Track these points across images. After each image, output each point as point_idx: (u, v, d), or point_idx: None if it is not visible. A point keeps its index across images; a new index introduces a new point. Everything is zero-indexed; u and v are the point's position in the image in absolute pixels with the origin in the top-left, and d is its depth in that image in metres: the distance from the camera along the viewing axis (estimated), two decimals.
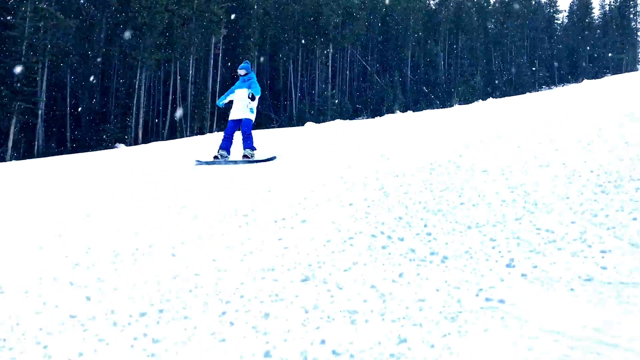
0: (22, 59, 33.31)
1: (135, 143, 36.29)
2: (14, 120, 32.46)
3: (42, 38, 34.28)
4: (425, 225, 4.64)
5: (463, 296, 3.26)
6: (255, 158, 9.55)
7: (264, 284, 3.68)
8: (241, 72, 9.98)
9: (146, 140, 37.72)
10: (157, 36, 40.36)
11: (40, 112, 34.60)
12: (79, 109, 38.47)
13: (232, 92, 10.14)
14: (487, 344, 2.67)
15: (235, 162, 9.54)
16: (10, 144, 32.10)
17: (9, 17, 34.00)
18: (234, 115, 9.88)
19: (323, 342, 2.80)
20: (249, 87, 9.84)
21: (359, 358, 2.62)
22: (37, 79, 34.39)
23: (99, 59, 39.59)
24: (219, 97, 46.65)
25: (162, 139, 38.18)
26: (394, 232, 4.52)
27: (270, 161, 9.31)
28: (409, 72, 63.20)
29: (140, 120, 39.63)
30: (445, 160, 7.18)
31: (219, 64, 47.22)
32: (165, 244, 4.70)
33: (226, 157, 9.79)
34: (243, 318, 3.18)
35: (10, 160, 28.44)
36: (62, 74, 37.68)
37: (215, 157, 9.80)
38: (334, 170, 7.40)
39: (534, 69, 75.00)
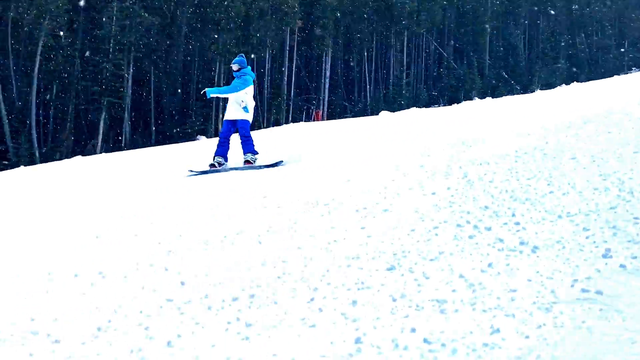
0: (110, 56, 35.19)
1: (215, 135, 37.37)
2: (103, 115, 34.38)
3: (127, 36, 35.98)
4: (513, 215, 4.51)
5: (557, 287, 3.16)
6: (258, 163, 8.64)
7: (350, 271, 3.72)
8: (234, 67, 8.87)
9: None
10: (235, 30, 41.27)
11: (126, 106, 36.39)
12: (163, 102, 40.11)
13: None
14: (585, 336, 2.57)
15: (234, 169, 8.60)
16: (100, 137, 34.03)
17: (98, 17, 36.04)
18: (228, 115, 8.90)
19: (413, 330, 2.80)
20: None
21: (450, 347, 2.60)
22: (124, 74, 36.15)
23: (179, 54, 41.03)
24: (293, 89, 47.59)
25: None
26: (480, 221, 4.43)
27: (277, 166, 8.34)
28: (487, 57, 61.16)
29: (220, 113, 40.77)
30: (531, 147, 6.94)
31: (294, 55, 47.68)
32: (252, 231, 4.83)
33: (224, 164, 8.79)
34: (331, 304, 3.23)
35: (101, 152, 30.07)
36: (146, 69, 39.40)
37: (212, 165, 8.78)
38: (413, 158, 7.32)
39: (622, 50, 70.62)
